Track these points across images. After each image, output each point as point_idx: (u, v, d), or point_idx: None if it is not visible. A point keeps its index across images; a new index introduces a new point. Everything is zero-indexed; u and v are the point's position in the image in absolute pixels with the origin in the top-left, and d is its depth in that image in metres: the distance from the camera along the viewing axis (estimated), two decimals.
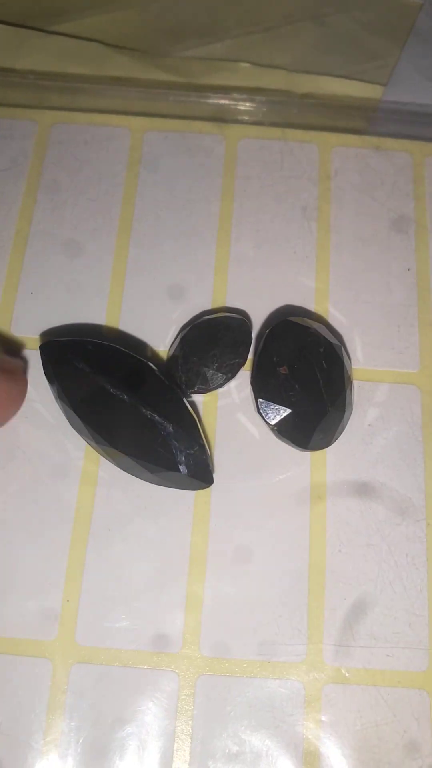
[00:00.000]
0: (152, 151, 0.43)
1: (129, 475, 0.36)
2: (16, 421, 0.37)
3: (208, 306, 0.40)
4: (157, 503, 0.36)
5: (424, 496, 0.37)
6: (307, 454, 0.37)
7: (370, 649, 0.35)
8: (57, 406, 0.37)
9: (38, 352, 0.37)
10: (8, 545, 0.36)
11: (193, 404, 0.37)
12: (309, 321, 0.37)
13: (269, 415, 0.35)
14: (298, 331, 0.37)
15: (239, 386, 0.38)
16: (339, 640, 0.35)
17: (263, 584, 0.35)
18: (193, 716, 0.34)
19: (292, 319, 0.37)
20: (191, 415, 0.35)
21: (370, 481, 0.37)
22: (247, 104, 0.44)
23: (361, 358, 0.39)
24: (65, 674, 0.34)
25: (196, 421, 0.35)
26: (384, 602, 0.35)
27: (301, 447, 0.36)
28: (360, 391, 0.38)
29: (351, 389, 0.37)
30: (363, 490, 0.37)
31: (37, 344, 0.38)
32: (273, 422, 0.35)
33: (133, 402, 0.34)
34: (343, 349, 0.37)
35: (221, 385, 0.37)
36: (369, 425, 0.38)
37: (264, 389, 0.35)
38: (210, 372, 0.36)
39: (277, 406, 0.35)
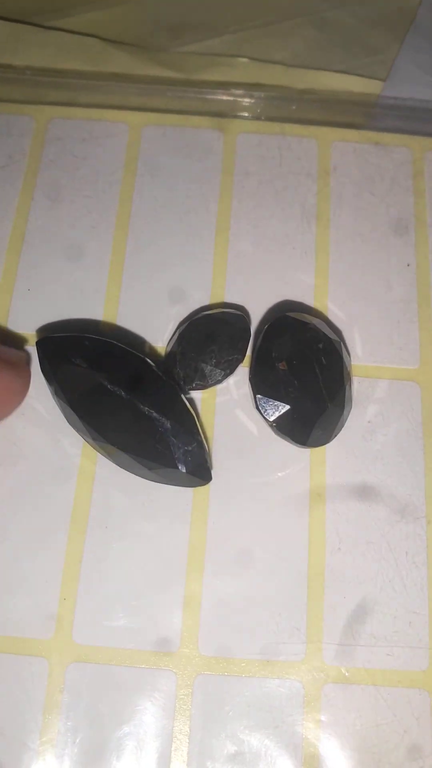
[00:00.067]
0: (150, 147, 0.43)
1: (127, 472, 0.35)
2: (13, 418, 0.37)
3: (206, 302, 0.40)
4: (155, 500, 0.36)
5: (424, 494, 0.36)
6: (306, 451, 0.37)
7: (369, 649, 0.34)
8: (54, 402, 0.36)
9: (35, 348, 0.36)
10: (5, 543, 0.36)
11: (191, 401, 0.37)
12: (308, 317, 0.37)
13: (268, 411, 0.35)
14: (297, 327, 0.36)
15: (238, 383, 0.38)
16: (338, 639, 0.34)
17: (262, 583, 0.35)
18: (191, 716, 0.33)
19: (291, 314, 0.37)
20: (189, 411, 0.35)
21: (369, 479, 0.37)
22: (246, 100, 0.44)
23: (360, 354, 0.39)
24: (62, 673, 0.34)
25: (194, 418, 0.35)
26: (384, 601, 0.35)
27: (300, 444, 0.35)
28: (359, 388, 0.38)
29: (350, 385, 0.37)
30: (362, 487, 0.36)
31: (34, 340, 0.38)
32: (272, 418, 0.35)
33: (130, 398, 0.34)
34: (342, 344, 0.37)
35: (219, 382, 0.36)
36: (368, 422, 0.38)
37: (262, 385, 0.35)
38: (208, 368, 0.36)
39: (276, 403, 0.35)
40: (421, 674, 0.34)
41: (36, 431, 0.37)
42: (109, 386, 0.34)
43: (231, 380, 0.38)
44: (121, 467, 0.35)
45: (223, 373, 0.36)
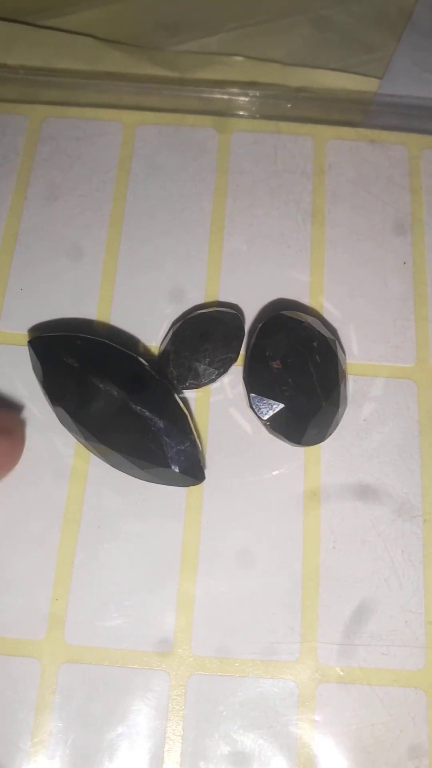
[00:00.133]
0: (145, 146, 0.43)
1: (119, 472, 0.35)
2: None
3: (200, 300, 0.39)
4: (148, 500, 0.36)
5: (420, 492, 0.36)
6: (301, 450, 0.37)
7: (365, 648, 0.34)
8: (46, 402, 0.36)
9: (27, 347, 0.36)
10: None
11: (185, 400, 0.37)
12: (302, 315, 0.37)
13: (262, 410, 0.35)
14: (291, 325, 0.36)
15: (232, 382, 0.38)
16: (333, 639, 0.34)
17: (256, 582, 0.35)
18: (184, 716, 0.33)
19: (285, 313, 0.37)
20: (182, 410, 0.34)
21: (365, 477, 0.36)
22: (241, 98, 0.44)
23: (356, 352, 0.38)
24: (54, 674, 0.33)
25: (187, 417, 0.34)
26: (379, 600, 0.35)
27: (295, 442, 0.35)
28: (355, 386, 0.38)
29: (345, 384, 0.37)
30: (358, 485, 0.36)
31: (26, 340, 0.37)
32: (265, 417, 0.35)
33: (122, 398, 0.34)
34: (337, 343, 0.37)
35: (213, 381, 0.36)
36: (364, 420, 0.37)
37: (256, 384, 0.35)
38: (202, 367, 0.36)
39: (270, 401, 0.35)
40: (417, 673, 0.34)
41: (29, 431, 0.37)
42: (101, 386, 0.34)
43: (225, 379, 0.38)
44: (114, 467, 0.35)
45: (216, 372, 0.36)
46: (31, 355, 0.36)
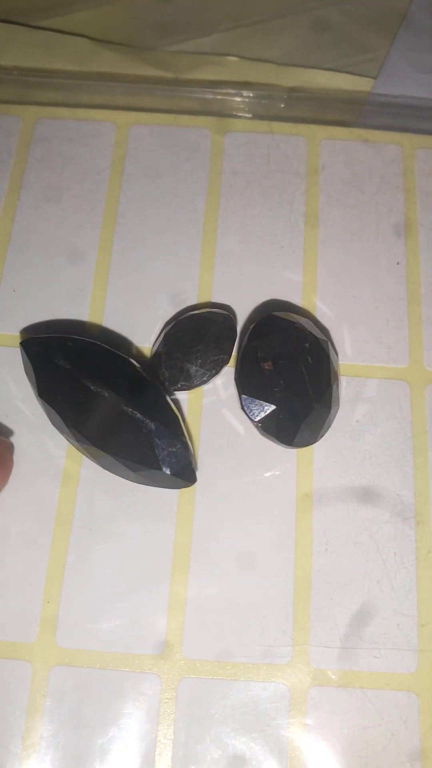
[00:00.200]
0: (138, 146, 0.43)
1: (111, 474, 0.35)
2: None
3: (193, 301, 0.39)
4: (140, 502, 0.36)
5: (413, 494, 0.36)
6: (293, 451, 0.36)
7: (357, 651, 0.34)
8: (38, 404, 0.36)
9: (19, 349, 0.36)
10: None
11: (177, 402, 0.37)
12: (294, 316, 0.37)
13: (253, 411, 0.34)
14: (283, 326, 0.36)
15: (225, 383, 0.38)
16: (325, 642, 0.34)
17: (248, 584, 0.35)
18: (176, 720, 0.33)
19: (277, 313, 0.36)
20: (174, 412, 0.34)
21: (357, 479, 0.36)
22: (235, 98, 0.44)
23: (349, 353, 0.38)
24: (45, 677, 0.33)
25: (178, 419, 0.34)
26: (372, 602, 0.34)
27: (286, 444, 0.35)
28: (348, 387, 0.38)
29: (338, 385, 0.36)
30: (350, 487, 0.36)
31: (18, 341, 0.37)
32: (257, 419, 0.34)
33: (114, 399, 0.34)
34: (329, 344, 0.36)
35: (205, 382, 0.36)
36: (357, 421, 0.37)
37: (248, 385, 0.35)
38: (193, 368, 0.36)
39: (262, 403, 0.34)
40: (410, 676, 0.33)
41: (20, 433, 0.37)
42: (92, 387, 0.34)
43: (218, 381, 0.38)
44: (105, 469, 0.35)
45: (208, 373, 0.36)
46: (23, 356, 0.36)
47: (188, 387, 0.36)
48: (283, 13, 0.46)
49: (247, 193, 0.42)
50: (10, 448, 0.36)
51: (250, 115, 0.44)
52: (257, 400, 0.34)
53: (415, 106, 0.44)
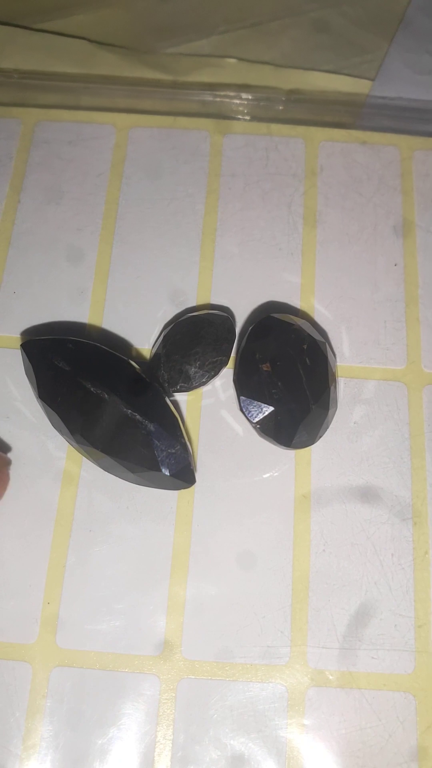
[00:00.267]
0: (137, 148, 0.43)
1: (111, 475, 0.35)
2: None
3: (192, 303, 0.40)
4: (139, 504, 0.36)
5: (410, 495, 0.36)
6: (291, 453, 0.37)
7: (354, 652, 0.34)
8: (38, 405, 0.36)
9: (20, 351, 0.36)
10: None
11: (176, 403, 0.37)
12: (292, 317, 0.37)
13: (251, 413, 0.35)
14: (281, 328, 0.36)
15: (224, 385, 0.38)
16: (323, 643, 0.34)
17: (246, 585, 0.35)
18: (175, 720, 0.33)
19: (275, 315, 0.37)
20: (173, 413, 0.34)
21: (355, 480, 0.36)
22: (234, 100, 0.44)
23: (347, 354, 0.39)
24: (45, 678, 0.34)
25: (177, 420, 0.34)
26: (369, 603, 0.35)
27: (284, 445, 0.35)
28: (346, 388, 0.38)
29: (335, 386, 0.37)
30: (348, 488, 0.36)
31: (19, 343, 0.37)
32: (255, 420, 0.35)
33: (113, 401, 0.34)
34: (327, 345, 0.37)
35: (204, 384, 0.36)
36: (355, 423, 0.37)
37: (246, 387, 0.35)
38: (192, 370, 0.36)
39: (260, 404, 0.35)
40: (407, 677, 0.34)
41: (20, 434, 0.37)
42: (92, 389, 0.34)
43: (217, 382, 0.38)
44: (105, 470, 0.35)
45: (207, 375, 0.36)
46: (23, 358, 0.36)
47: (187, 388, 0.36)
48: (282, 16, 0.46)
49: (246, 195, 0.42)
50: (8, 463, 0.36)
51: (248, 117, 0.44)
52: (256, 402, 0.35)
53: (412, 108, 0.44)
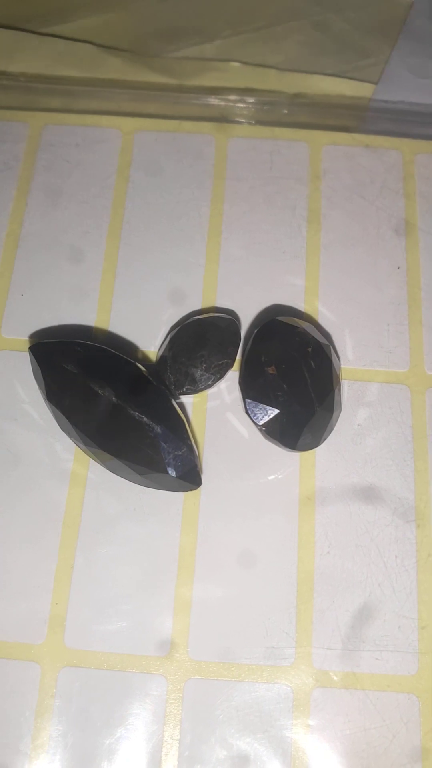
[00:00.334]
0: (143, 152, 0.43)
1: (118, 477, 0.36)
2: (6, 423, 0.37)
3: (198, 306, 0.40)
4: (146, 505, 0.36)
5: (414, 497, 0.36)
6: (296, 455, 0.37)
7: (358, 653, 0.34)
8: (46, 407, 0.37)
9: (28, 353, 0.37)
10: None
11: (182, 405, 0.37)
12: (297, 320, 0.37)
13: (257, 415, 0.35)
14: (286, 331, 0.36)
15: (230, 387, 0.38)
16: (327, 644, 0.34)
17: (252, 586, 0.35)
18: (181, 720, 0.33)
19: (280, 318, 0.37)
20: (179, 416, 0.35)
21: (359, 482, 0.37)
22: (238, 104, 0.44)
23: (351, 357, 0.39)
24: (53, 678, 0.34)
25: (184, 422, 0.35)
26: (373, 605, 0.35)
27: (289, 447, 0.35)
28: (350, 391, 0.38)
29: (340, 389, 0.37)
30: (352, 490, 0.36)
31: (27, 346, 0.38)
32: (261, 423, 0.35)
33: (121, 403, 0.34)
34: (331, 348, 0.37)
35: (210, 386, 0.36)
36: (358, 425, 0.38)
37: (251, 389, 0.35)
38: (198, 372, 0.36)
39: (265, 407, 0.35)
40: (410, 679, 0.34)
41: (28, 436, 0.37)
42: (99, 391, 0.34)
43: (222, 384, 0.38)
44: (112, 472, 0.36)
45: (213, 377, 0.36)
46: (31, 360, 0.36)
47: (193, 391, 0.36)
48: (285, 20, 0.46)
49: (251, 199, 0.42)
50: None
51: (253, 121, 0.44)
52: (261, 404, 0.35)
53: (415, 111, 0.44)
